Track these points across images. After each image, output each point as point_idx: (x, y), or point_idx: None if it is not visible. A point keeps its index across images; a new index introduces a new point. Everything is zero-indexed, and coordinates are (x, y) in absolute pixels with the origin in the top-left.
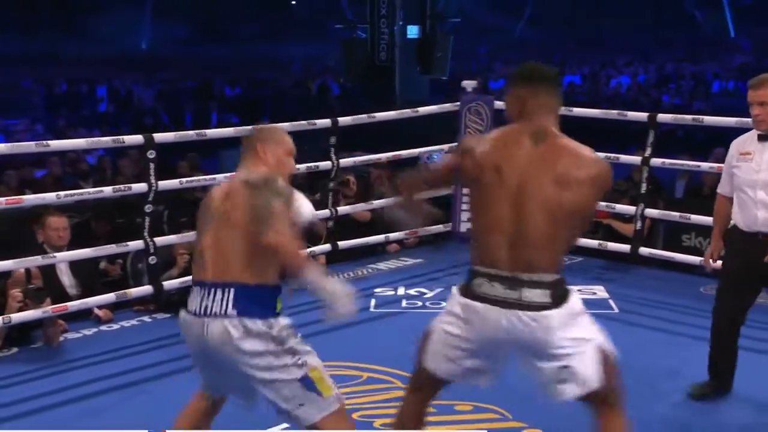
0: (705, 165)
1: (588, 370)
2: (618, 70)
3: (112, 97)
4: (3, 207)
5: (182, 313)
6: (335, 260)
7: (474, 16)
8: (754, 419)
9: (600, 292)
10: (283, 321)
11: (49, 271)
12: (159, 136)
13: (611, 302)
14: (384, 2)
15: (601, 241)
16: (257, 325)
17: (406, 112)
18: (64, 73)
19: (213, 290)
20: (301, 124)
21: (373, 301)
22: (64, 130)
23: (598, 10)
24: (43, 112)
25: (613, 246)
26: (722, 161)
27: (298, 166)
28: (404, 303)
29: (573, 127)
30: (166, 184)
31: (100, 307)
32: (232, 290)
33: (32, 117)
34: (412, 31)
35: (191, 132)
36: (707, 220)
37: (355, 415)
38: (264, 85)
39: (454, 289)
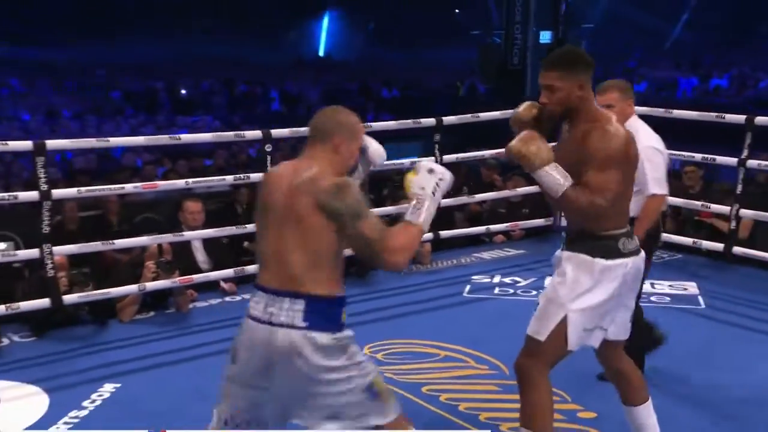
0: None
1: None
2: (758, 76)
3: (283, 98)
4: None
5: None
6: (439, 248)
7: (630, 17)
8: None
9: (691, 288)
10: (348, 332)
11: (183, 247)
12: (276, 132)
13: (700, 298)
14: (519, 9)
15: (695, 239)
16: (327, 338)
17: (510, 113)
18: (244, 76)
19: (280, 298)
20: (406, 123)
21: (467, 287)
22: (239, 126)
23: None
24: (223, 110)
25: (707, 244)
26: None
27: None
28: (497, 290)
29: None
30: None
31: (226, 280)
32: (302, 301)
33: (214, 115)
34: (545, 36)
35: (302, 129)
36: None
37: (424, 389)
38: (417, 87)
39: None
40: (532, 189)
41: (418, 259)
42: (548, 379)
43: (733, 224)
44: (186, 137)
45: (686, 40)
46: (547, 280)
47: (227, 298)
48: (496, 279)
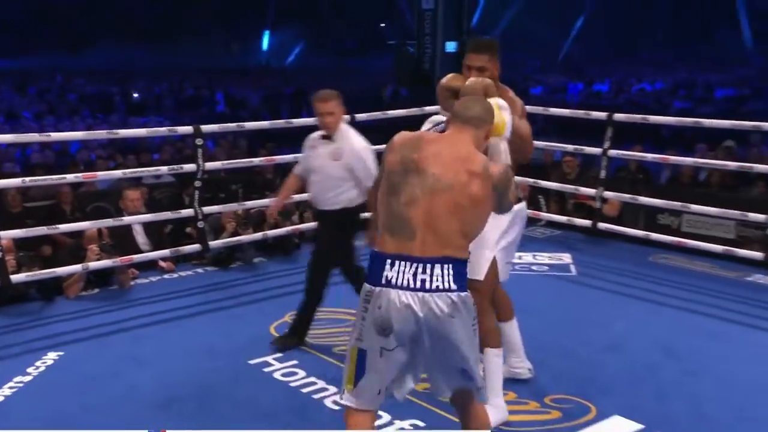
0: (650, 156)
1: None
2: (638, 80)
3: (227, 101)
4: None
5: (384, 290)
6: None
7: (531, 32)
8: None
9: (566, 258)
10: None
11: (124, 231)
12: (206, 127)
13: (572, 267)
14: (428, 22)
15: (569, 217)
16: (467, 297)
17: (414, 110)
18: (193, 81)
19: (430, 265)
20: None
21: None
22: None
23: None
24: (172, 112)
25: (578, 221)
26: (705, 156)
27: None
28: None
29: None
30: (210, 165)
31: (164, 259)
32: (451, 266)
33: (164, 116)
34: (450, 47)
35: (233, 124)
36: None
37: (335, 350)
38: (346, 91)
39: None
40: None
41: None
42: (491, 306)
43: (598, 204)
44: (123, 132)
45: (576, 52)
46: None
47: (166, 276)
48: None
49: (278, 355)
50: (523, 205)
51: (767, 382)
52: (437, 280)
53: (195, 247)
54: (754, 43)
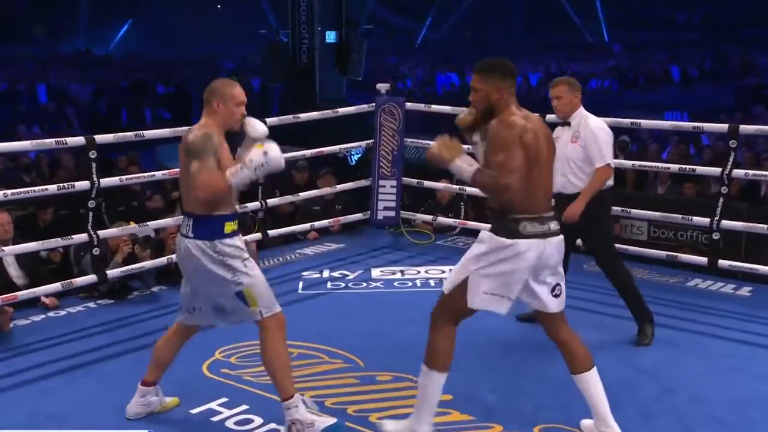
0: None
1: None
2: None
3: (51, 95)
4: None
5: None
6: (264, 247)
7: (384, 18)
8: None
9: None
10: None
11: None
12: (100, 138)
13: None
14: (304, 10)
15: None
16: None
17: (327, 113)
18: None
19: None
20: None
21: (300, 284)
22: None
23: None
24: None
25: None
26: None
27: None
28: (329, 285)
29: None
30: (107, 181)
31: (47, 295)
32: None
33: None
34: (330, 36)
35: (130, 133)
36: None
37: None
38: (193, 83)
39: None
40: (345, 186)
41: None
42: (452, 327)
43: None
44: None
45: (434, 38)
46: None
47: (50, 313)
48: (326, 273)
49: (222, 399)
50: (522, 244)
51: (745, 394)
52: (184, 228)
53: (90, 277)
54: (609, 32)
